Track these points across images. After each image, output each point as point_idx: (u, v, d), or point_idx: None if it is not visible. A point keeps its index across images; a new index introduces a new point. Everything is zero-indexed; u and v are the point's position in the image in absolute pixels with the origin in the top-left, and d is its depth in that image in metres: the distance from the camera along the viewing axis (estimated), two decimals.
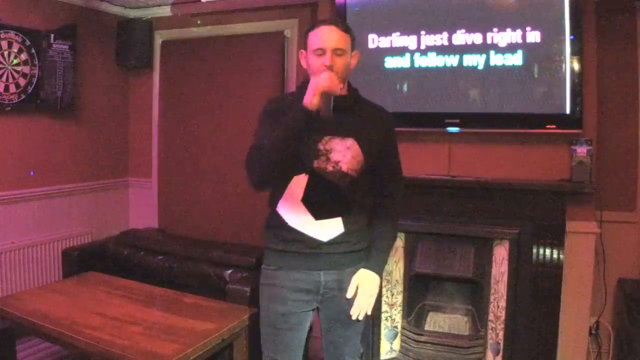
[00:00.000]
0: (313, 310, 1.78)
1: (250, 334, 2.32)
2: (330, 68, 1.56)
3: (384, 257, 1.80)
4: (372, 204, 1.78)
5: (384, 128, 1.75)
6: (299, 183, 1.65)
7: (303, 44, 1.70)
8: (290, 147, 1.54)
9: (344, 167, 1.65)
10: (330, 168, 1.64)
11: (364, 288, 1.72)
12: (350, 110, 1.69)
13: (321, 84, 1.51)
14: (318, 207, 1.66)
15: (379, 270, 1.76)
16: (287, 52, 3.41)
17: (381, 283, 1.78)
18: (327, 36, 1.60)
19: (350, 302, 1.75)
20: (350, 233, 1.71)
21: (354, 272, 1.74)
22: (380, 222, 1.79)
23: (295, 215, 1.68)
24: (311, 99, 1.51)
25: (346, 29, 1.65)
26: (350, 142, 1.65)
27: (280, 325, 1.72)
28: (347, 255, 1.72)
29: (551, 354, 2.52)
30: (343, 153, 1.65)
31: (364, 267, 1.75)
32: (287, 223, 1.69)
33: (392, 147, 1.80)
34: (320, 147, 1.64)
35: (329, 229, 1.68)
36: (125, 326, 2.20)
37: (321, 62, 1.59)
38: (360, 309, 1.72)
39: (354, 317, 1.72)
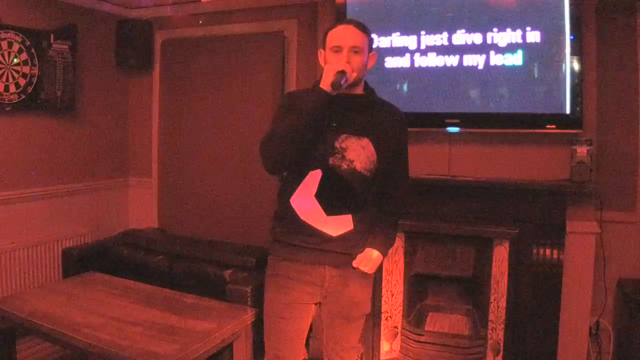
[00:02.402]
0: (316, 304, 1.82)
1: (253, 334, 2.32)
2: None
3: (388, 241, 1.85)
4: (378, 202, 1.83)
5: (398, 129, 1.80)
6: (313, 178, 1.69)
7: (322, 44, 1.75)
8: (305, 131, 1.60)
9: (358, 166, 1.70)
10: (344, 166, 1.69)
11: (364, 260, 1.78)
12: (366, 110, 1.74)
13: (336, 66, 1.60)
14: (330, 203, 1.70)
15: (383, 250, 1.81)
16: (287, 52, 3.41)
17: (382, 265, 1.91)
18: (344, 34, 1.67)
19: (353, 302, 1.80)
20: (359, 231, 1.75)
21: (358, 272, 1.79)
22: (384, 215, 1.84)
23: (308, 210, 1.71)
24: (326, 80, 1.59)
25: (364, 29, 1.70)
26: (365, 141, 1.70)
27: (284, 314, 1.78)
28: (352, 256, 1.78)
29: (551, 354, 2.52)
30: (358, 152, 1.69)
31: (369, 245, 1.79)
32: (299, 216, 1.72)
33: (404, 148, 1.85)
34: (337, 145, 1.69)
35: (339, 225, 1.72)
36: (125, 326, 2.20)
37: (338, 59, 1.64)
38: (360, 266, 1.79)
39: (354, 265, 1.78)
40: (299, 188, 1.72)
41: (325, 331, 1.87)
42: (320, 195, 1.69)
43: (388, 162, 1.76)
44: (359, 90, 1.76)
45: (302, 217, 1.72)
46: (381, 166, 1.73)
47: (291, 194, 1.74)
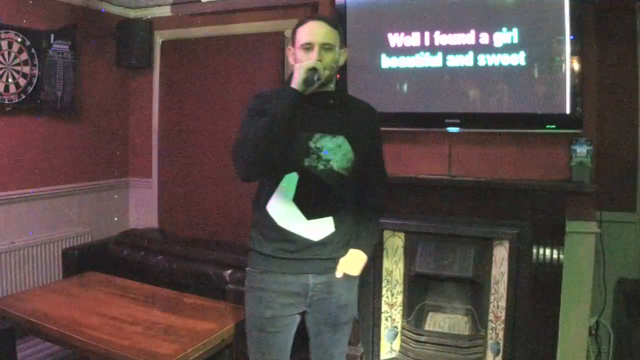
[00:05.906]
0: (300, 313, 1.76)
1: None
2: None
3: (371, 239, 1.80)
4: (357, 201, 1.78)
5: (372, 125, 1.75)
6: (289, 182, 1.63)
7: (291, 41, 1.69)
8: (278, 133, 1.52)
9: (335, 165, 1.64)
10: (321, 167, 1.63)
11: (349, 262, 1.73)
12: (339, 108, 1.69)
13: (307, 63, 1.54)
14: (309, 206, 1.64)
15: (367, 249, 1.76)
16: None
17: (370, 262, 1.82)
18: (315, 31, 1.60)
19: (339, 306, 1.74)
20: (340, 233, 1.70)
21: (343, 275, 1.73)
22: (365, 213, 1.79)
23: (286, 215, 1.65)
24: (297, 79, 1.53)
25: (334, 25, 1.65)
26: (340, 140, 1.64)
27: (267, 328, 1.70)
28: (335, 260, 1.72)
29: (551, 354, 2.52)
30: (334, 151, 1.64)
31: (352, 247, 1.75)
32: (276, 223, 1.66)
33: (379, 144, 1.82)
34: (311, 145, 1.62)
35: (320, 228, 1.67)
36: (125, 326, 2.20)
37: (309, 57, 1.59)
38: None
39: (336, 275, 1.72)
40: (275, 193, 1.65)
41: (313, 340, 1.79)
42: (299, 199, 1.63)
43: (364, 160, 1.70)
44: (331, 87, 1.69)
45: (280, 224, 1.65)
46: (358, 164, 1.68)
47: (267, 201, 1.67)
